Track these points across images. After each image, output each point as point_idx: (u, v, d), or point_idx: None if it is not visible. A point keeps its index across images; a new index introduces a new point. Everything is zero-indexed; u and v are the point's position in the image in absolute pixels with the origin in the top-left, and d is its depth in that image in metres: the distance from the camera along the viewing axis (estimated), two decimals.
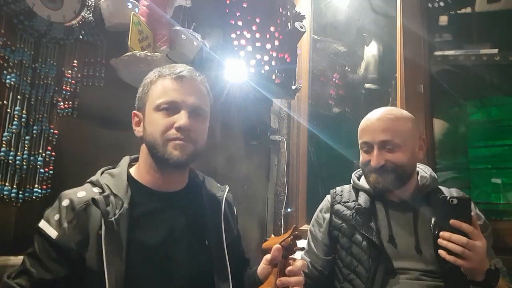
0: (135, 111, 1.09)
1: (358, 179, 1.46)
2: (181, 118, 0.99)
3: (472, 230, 1.05)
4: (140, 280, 0.94)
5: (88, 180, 1.04)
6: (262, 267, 1.05)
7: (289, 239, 0.97)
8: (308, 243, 1.46)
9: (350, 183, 1.47)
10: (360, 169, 1.46)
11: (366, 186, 1.39)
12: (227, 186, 1.21)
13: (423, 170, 1.41)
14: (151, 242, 0.98)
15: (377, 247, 1.25)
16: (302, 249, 0.96)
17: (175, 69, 1.06)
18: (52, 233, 0.92)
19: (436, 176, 1.39)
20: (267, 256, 1.01)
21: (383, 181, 1.29)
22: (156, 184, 1.06)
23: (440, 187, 1.38)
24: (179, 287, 0.99)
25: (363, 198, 1.36)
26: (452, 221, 1.06)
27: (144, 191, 1.04)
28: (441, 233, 1.07)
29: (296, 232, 0.98)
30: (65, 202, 0.95)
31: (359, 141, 1.37)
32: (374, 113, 1.37)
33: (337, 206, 1.40)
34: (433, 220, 1.26)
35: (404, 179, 1.31)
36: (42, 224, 0.94)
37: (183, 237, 1.03)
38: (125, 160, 1.10)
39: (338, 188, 1.48)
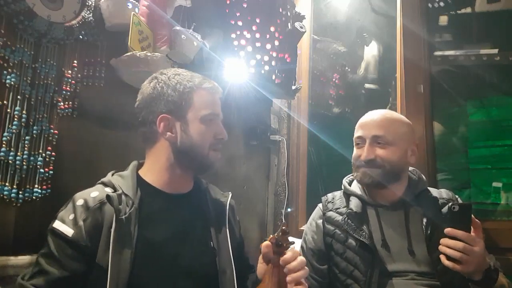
0: (165, 115, 1.07)
1: (349, 184, 1.46)
2: (223, 130, 1.14)
3: (467, 236, 1.07)
4: (145, 278, 0.96)
5: (99, 181, 1.07)
6: (259, 266, 1.07)
7: (276, 234, 0.99)
8: (303, 253, 1.43)
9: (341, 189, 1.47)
10: (351, 174, 1.48)
11: (358, 191, 1.40)
12: (230, 192, 1.25)
13: (412, 173, 1.43)
14: (158, 241, 1.01)
15: (370, 250, 1.25)
16: (292, 243, 0.99)
17: (208, 82, 1.13)
18: (68, 231, 0.94)
19: (425, 178, 1.41)
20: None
21: (371, 175, 1.31)
22: (165, 186, 1.10)
23: (429, 188, 1.40)
24: (183, 286, 1.01)
25: (354, 203, 1.37)
26: (446, 230, 1.08)
27: (153, 192, 1.08)
28: (441, 240, 1.09)
29: (284, 227, 1.00)
30: (80, 202, 0.98)
31: (354, 137, 1.41)
32: (373, 112, 1.41)
33: (329, 213, 1.40)
34: (424, 220, 1.28)
35: (391, 177, 1.32)
36: (57, 224, 0.96)
37: (189, 237, 1.07)
38: (134, 163, 1.14)
39: (329, 195, 1.48)
